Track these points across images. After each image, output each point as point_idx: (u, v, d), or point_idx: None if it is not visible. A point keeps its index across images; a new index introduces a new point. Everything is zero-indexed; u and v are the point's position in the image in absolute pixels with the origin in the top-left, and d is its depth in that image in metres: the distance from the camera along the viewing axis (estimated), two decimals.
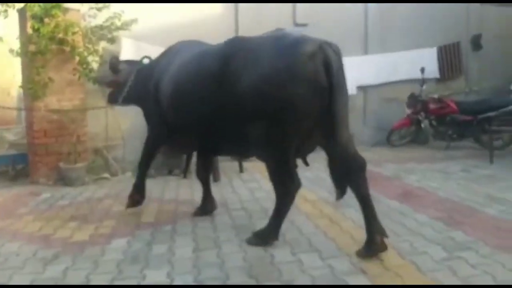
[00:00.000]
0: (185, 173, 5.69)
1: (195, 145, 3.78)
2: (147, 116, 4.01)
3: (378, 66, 7.66)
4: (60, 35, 5.50)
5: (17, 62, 14.65)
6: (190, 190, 4.86)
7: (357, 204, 3.76)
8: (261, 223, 3.49)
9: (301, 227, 3.39)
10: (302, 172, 5.49)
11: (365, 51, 7.80)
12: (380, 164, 5.97)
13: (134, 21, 5.94)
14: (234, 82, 2.81)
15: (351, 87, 7.42)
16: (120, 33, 6.12)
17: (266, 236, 2.98)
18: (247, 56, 2.82)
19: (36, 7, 5.34)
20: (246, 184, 5.05)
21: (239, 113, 2.84)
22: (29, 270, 2.75)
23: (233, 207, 3.80)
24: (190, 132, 3.45)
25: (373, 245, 2.65)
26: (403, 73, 7.79)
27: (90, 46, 5.77)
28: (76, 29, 5.52)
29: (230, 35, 6.88)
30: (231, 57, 2.88)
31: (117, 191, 5.00)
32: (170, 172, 6.00)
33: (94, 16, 6.15)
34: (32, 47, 5.36)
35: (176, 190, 4.96)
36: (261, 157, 3.06)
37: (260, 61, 2.74)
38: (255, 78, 2.72)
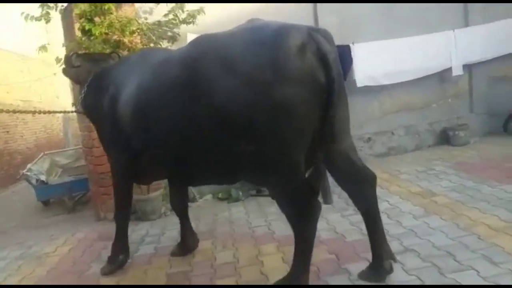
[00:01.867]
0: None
1: (166, 172, 3.07)
2: (103, 138, 3.22)
3: (483, 38, 6.20)
4: (115, 37, 4.50)
5: (58, 82, 14.28)
6: None
7: None
8: (467, 280, 2.29)
9: None
10: (458, 180, 4.47)
11: (466, 22, 6.36)
12: None
13: (200, 11, 4.82)
14: (207, 92, 2.21)
15: (457, 66, 6.12)
16: (183, 28, 5.03)
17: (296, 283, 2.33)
18: (219, 57, 2.20)
19: (83, 5, 4.35)
20: None
21: (219, 129, 2.22)
22: None
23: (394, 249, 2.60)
24: (159, 158, 2.76)
25: (381, 269, 2.38)
26: None
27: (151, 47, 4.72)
28: (134, 27, 4.48)
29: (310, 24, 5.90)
30: (199, 60, 2.27)
31: (207, 225, 3.92)
32: (258, 192, 4.88)
33: (150, 12, 5.13)
34: None
35: (281, 221, 3.79)
36: (261, 182, 2.67)
37: (236, 61, 2.14)
38: (232, 83, 2.12)
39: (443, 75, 6.23)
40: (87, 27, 4.28)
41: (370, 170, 2.46)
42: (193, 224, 3.63)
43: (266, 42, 2.12)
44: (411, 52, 5.85)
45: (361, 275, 2.47)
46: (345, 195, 4.06)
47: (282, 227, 3.58)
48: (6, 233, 5.14)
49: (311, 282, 2.45)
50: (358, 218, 3.47)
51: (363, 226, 3.26)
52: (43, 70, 13.28)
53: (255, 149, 2.17)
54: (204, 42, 2.36)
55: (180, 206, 3.39)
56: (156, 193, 4.46)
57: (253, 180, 2.66)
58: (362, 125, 5.86)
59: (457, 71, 6.09)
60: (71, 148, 9.04)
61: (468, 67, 6.34)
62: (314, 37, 2.14)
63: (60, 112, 4.57)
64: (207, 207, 4.64)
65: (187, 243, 3.30)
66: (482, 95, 6.48)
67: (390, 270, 2.38)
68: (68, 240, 4.07)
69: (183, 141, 2.46)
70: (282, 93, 2.06)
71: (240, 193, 4.77)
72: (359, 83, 5.58)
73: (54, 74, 15.29)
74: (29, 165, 6.97)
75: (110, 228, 4.18)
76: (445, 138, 6.27)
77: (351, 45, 5.52)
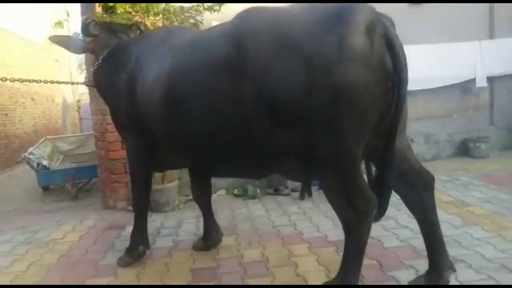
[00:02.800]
0: (303, 192, 4.33)
1: (190, 160, 2.78)
2: (118, 121, 2.92)
3: (509, 51, 6.08)
4: (137, 17, 4.29)
5: (60, 69, 14.03)
6: (331, 223, 3.45)
7: None
8: None
9: None
10: (489, 191, 3.83)
11: (491, 34, 6.23)
12: None
13: None
14: (256, 71, 1.95)
15: (481, 78, 6.00)
16: (206, 16, 4.83)
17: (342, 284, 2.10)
18: (273, 32, 1.93)
19: None
20: (403, 210, 3.58)
21: (265, 114, 1.97)
22: None
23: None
24: (188, 146, 2.47)
25: (440, 279, 2.17)
26: None
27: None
28: (160, 8, 4.27)
29: None
30: (248, 36, 1.99)
31: (226, 221, 3.70)
32: (276, 191, 4.66)
33: None
34: None
35: (307, 221, 3.59)
36: (306, 176, 2.43)
37: (294, 37, 1.88)
38: (288, 62, 1.87)
39: (466, 86, 6.11)
40: (110, 4, 4.06)
41: (428, 172, 2.26)
42: None
43: (330, 17, 1.88)
44: (435, 60, 5.72)
45: (415, 283, 2.26)
46: None
47: (310, 228, 3.39)
48: (6, 217, 4.87)
49: None
50: (391, 224, 3.32)
51: (398, 232, 3.13)
52: (45, 57, 13.02)
53: (307, 138, 1.94)
54: (255, 16, 2.08)
55: (204, 198, 3.17)
56: (171, 184, 4.23)
57: (295, 174, 2.41)
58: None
59: (481, 82, 5.97)
60: (73, 135, 8.79)
61: (490, 80, 6.21)
62: (381, 19, 1.93)
63: (68, 83, 4.25)
64: (222, 203, 4.41)
65: (210, 238, 3.08)
66: (503, 109, 6.35)
67: (448, 280, 2.18)
68: (76, 227, 3.82)
69: (220, 127, 2.20)
70: (345, 76, 1.81)
71: (258, 190, 4.56)
72: None
73: (56, 60, 15.11)
74: (30, 149, 6.71)
75: (121, 217, 4.01)
76: (464, 150, 6.13)
77: None
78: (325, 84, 1.82)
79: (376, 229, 3.20)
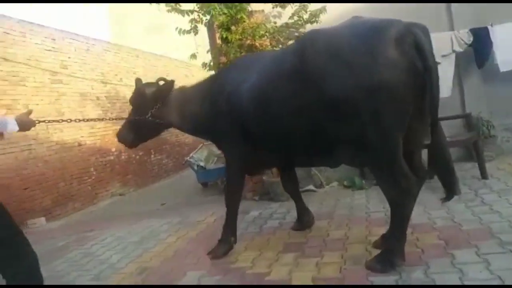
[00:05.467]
0: None
1: (278, 159, 3.40)
2: (219, 138, 3.56)
3: None
4: (248, 41, 5.18)
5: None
6: (421, 209, 3.66)
7: None
8: None
9: None
10: None
11: None
12: None
13: (323, 10, 5.14)
14: (315, 78, 2.56)
15: None
16: (308, 28, 5.40)
17: (391, 258, 2.54)
18: (325, 48, 2.54)
19: (222, 17, 5.13)
20: (504, 197, 3.54)
21: (326, 114, 2.57)
22: None
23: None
24: (273, 143, 3.09)
25: None
26: None
27: (278, 48, 5.26)
28: (263, 31, 5.08)
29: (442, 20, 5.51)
30: (306, 52, 2.62)
31: (328, 208, 4.25)
32: None
33: (279, 16, 5.69)
34: (223, 59, 5.18)
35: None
36: (361, 161, 2.82)
37: (340, 50, 2.47)
38: (337, 70, 2.46)
39: None
40: (224, 36, 5.06)
41: None
42: (315, 207, 4.02)
43: (367, 33, 2.43)
44: None
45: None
46: (475, 186, 3.92)
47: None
48: (173, 206, 6.42)
49: (412, 262, 2.59)
50: (483, 209, 3.35)
51: (484, 217, 3.18)
52: (203, 74, 15.37)
53: (359, 129, 2.46)
54: (310, 36, 2.74)
55: (292, 188, 3.81)
56: None
57: (353, 162, 2.89)
58: (508, 114, 5.26)
59: None
60: None
61: None
62: (411, 30, 2.35)
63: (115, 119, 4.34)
64: (332, 193, 4.95)
65: (303, 220, 3.71)
66: None
67: None
68: (215, 212, 4.93)
69: (295, 123, 2.81)
70: (381, 77, 2.32)
71: (363, 182, 4.93)
72: (503, 68, 5.00)
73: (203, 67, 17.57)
74: (191, 154, 8.41)
75: (247, 204, 4.97)
76: None
77: (489, 27, 5.00)
78: (366, 85, 2.38)
79: (463, 214, 3.34)
